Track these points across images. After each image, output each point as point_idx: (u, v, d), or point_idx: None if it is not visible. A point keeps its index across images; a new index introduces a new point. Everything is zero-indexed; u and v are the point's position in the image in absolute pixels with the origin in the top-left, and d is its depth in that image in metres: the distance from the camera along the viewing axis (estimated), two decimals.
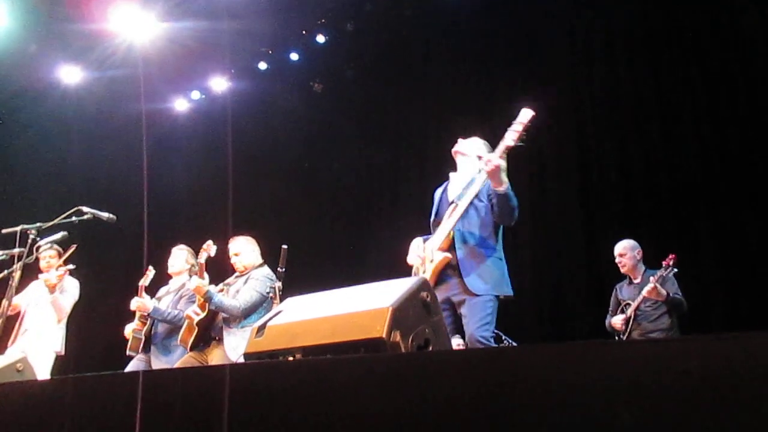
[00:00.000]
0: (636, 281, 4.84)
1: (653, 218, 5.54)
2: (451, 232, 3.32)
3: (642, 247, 4.94)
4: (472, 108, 6.79)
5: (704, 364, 1.14)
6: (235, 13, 6.79)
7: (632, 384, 1.20)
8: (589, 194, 5.94)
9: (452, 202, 3.41)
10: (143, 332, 4.76)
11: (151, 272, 5.06)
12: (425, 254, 3.38)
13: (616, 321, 4.79)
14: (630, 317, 4.71)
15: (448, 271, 3.32)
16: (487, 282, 3.26)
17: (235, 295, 4.43)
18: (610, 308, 4.98)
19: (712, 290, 5.12)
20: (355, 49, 7.62)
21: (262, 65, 8.00)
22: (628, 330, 4.71)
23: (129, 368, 4.77)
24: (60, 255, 5.13)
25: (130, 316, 4.97)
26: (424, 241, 3.48)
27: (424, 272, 3.33)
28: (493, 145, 3.35)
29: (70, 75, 7.71)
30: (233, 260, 4.61)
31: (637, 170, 5.72)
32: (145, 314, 4.76)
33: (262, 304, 4.41)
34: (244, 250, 4.62)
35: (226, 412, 1.68)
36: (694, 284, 4.98)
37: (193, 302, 4.87)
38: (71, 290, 5.29)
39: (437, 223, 3.47)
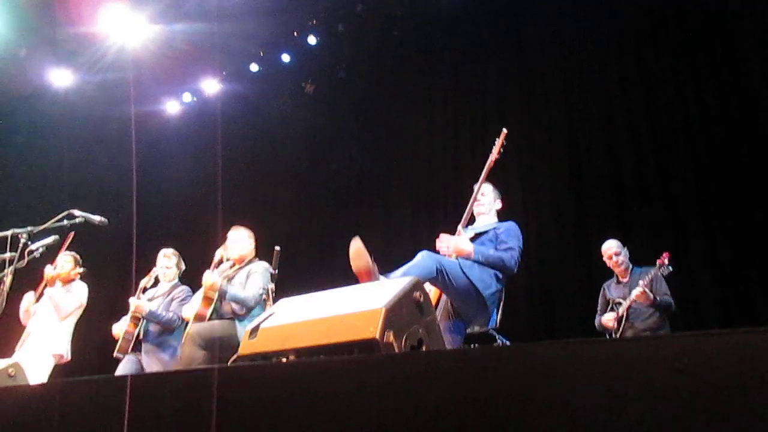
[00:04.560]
0: (624, 280, 4.85)
1: (645, 216, 5.57)
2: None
3: (634, 246, 4.96)
4: (464, 106, 6.82)
5: (696, 361, 1.15)
6: (226, 15, 6.78)
7: (626, 381, 1.21)
8: (581, 193, 5.96)
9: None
10: (134, 333, 4.77)
11: (154, 272, 5.13)
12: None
13: (608, 319, 4.80)
14: (622, 316, 4.73)
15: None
16: (480, 279, 3.43)
17: (240, 286, 4.48)
18: (599, 307, 5.00)
19: (703, 287, 5.14)
20: (347, 50, 7.63)
21: (254, 67, 7.99)
22: (621, 329, 4.73)
23: (120, 369, 4.78)
24: (76, 262, 5.30)
25: (118, 317, 5.00)
26: None
27: None
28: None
29: (60, 78, 7.68)
30: (231, 246, 4.62)
31: (628, 169, 5.74)
32: (140, 316, 4.78)
33: (261, 297, 4.52)
34: (244, 241, 4.68)
35: (215, 414, 1.68)
36: (685, 281, 5.01)
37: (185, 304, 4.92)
38: (78, 293, 5.32)
39: None
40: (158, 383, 2.10)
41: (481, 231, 3.81)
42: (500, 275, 3.59)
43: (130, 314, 4.83)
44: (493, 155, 3.81)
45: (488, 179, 3.96)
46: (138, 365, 4.77)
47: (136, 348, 4.80)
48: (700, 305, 5.09)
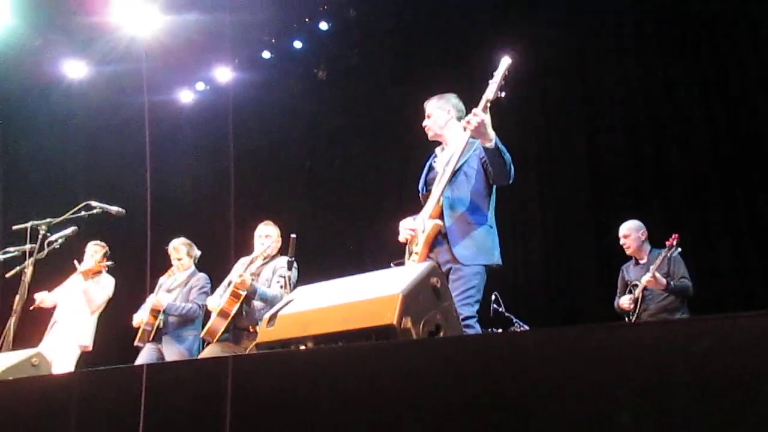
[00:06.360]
0: (642, 262, 4.82)
1: (663, 196, 5.52)
2: (441, 199, 3.24)
3: (652, 226, 4.91)
4: (480, 90, 6.75)
5: (716, 345, 1.14)
6: (237, 3, 6.77)
7: (646, 365, 1.20)
8: (598, 173, 5.92)
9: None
10: (154, 324, 4.81)
11: (174, 270, 5.17)
12: (416, 226, 3.31)
13: (624, 302, 4.78)
14: (638, 298, 4.70)
15: (439, 237, 3.23)
16: (476, 250, 3.17)
17: (266, 283, 4.47)
18: (618, 290, 4.98)
19: (723, 268, 5.10)
20: (359, 35, 7.59)
21: (266, 54, 7.98)
22: (637, 311, 4.70)
23: (141, 358, 4.84)
24: (105, 254, 5.42)
25: (137, 307, 5.05)
26: (414, 220, 3.41)
27: (416, 244, 3.27)
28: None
29: (75, 69, 7.72)
30: (262, 242, 4.59)
31: (647, 148, 5.69)
32: (160, 310, 4.82)
33: None
34: (274, 235, 4.65)
35: (231, 402, 1.70)
36: (704, 263, 4.96)
37: (205, 293, 4.93)
38: (106, 286, 5.46)
39: (426, 196, 3.41)
40: (174, 372, 2.12)
41: (458, 166, 3.25)
42: (491, 213, 3.31)
43: (149, 308, 4.86)
44: (493, 92, 3.08)
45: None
46: (158, 354, 4.82)
47: (157, 337, 4.84)
48: (720, 287, 5.04)
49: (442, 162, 3.40)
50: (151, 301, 4.86)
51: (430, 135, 3.54)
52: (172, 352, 4.77)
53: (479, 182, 3.28)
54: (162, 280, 5.11)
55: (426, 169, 3.57)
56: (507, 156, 3.15)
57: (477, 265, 3.16)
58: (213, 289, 5.06)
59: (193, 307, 4.90)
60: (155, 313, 4.83)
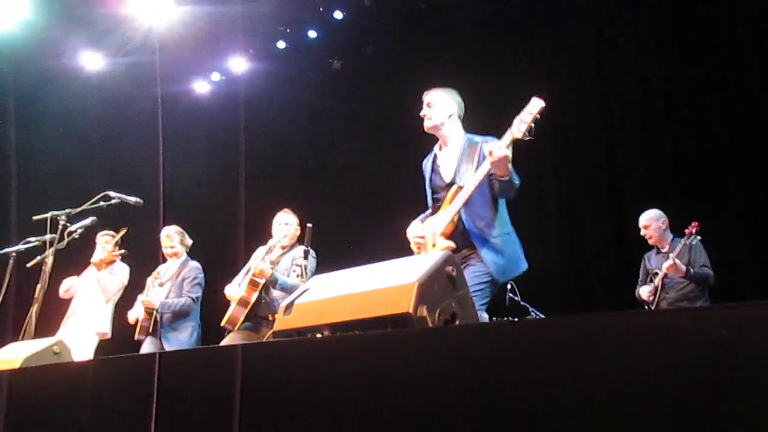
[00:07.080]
0: (664, 250, 4.79)
1: (682, 184, 5.47)
2: (456, 217, 3.15)
3: (671, 214, 4.88)
4: (494, 80, 6.72)
5: (734, 332, 1.13)
6: None
7: (662, 352, 1.19)
8: (616, 161, 5.87)
9: (451, 183, 3.26)
10: (151, 320, 4.76)
11: (160, 273, 5.09)
12: (427, 235, 3.24)
13: (644, 291, 4.77)
14: (658, 287, 4.68)
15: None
16: (507, 263, 3.16)
17: (285, 273, 4.45)
18: (640, 278, 4.95)
19: (744, 257, 5.05)
20: (374, 24, 7.56)
21: (281, 44, 7.97)
22: (656, 300, 4.68)
23: (143, 350, 4.81)
24: (116, 243, 5.41)
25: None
26: (422, 221, 3.37)
27: (427, 252, 3.22)
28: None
29: (91, 61, 7.76)
30: (282, 230, 4.57)
31: (665, 135, 5.63)
32: (154, 308, 4.78)
33: None
34: (294, 223, 4.64)
35: (241, 389, 1.71)
36: (723, 250, 4.92)
37: (199, 284, 4.93)
38: (120, 274, 5.49)
39: (436, 206, 3.33)
40: (186, 359, 2.15)
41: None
42: (506, 218, 3.25)
43: (142, 307, 4.81)
44: (522, 132, 2.94)
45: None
46: (159, 347, 4.76)
47: (156, 331, 4.77)
48: (740, 275, 5.00)
49: (447, 168, 3.33)
50: (141, 300, 4.82)
51: (428, 125, 3.41)
52: (171, 345, 4.74)
53: (485, 189, 3.18)
54: (149, 281, 4.98)
55: (429, 170, 3.47)
56: (517, 182, 3.08)
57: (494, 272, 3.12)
58: (220, 280, 4.89)
59: (186, 301, 4.84)
60: (150, 310, 4.78)
